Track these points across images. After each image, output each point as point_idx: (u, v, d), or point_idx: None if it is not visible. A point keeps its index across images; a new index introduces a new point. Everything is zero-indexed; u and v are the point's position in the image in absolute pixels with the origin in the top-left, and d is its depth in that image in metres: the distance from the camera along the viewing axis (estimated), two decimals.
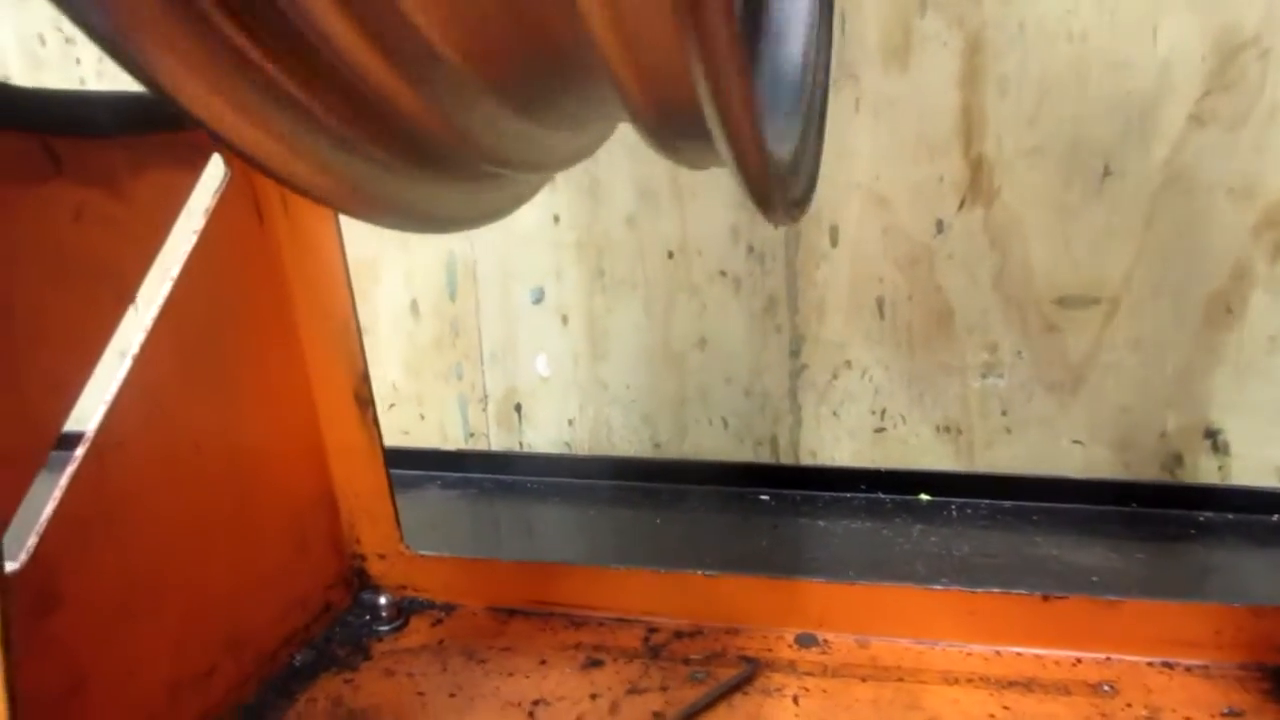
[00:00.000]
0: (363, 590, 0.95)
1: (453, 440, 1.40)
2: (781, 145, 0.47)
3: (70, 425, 0.61)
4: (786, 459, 1.28)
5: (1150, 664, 0.78)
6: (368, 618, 0.91)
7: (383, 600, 0.90)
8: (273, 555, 0.84)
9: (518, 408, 1.37)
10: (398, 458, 1.38)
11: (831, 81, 1.14)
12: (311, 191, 0.42)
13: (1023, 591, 0.80)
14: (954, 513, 1.20)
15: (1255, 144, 1.05)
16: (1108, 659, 0.79)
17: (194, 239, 0.75)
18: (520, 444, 1.38)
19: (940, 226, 1.16)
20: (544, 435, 1.37)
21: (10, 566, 0.58)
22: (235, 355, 0.79)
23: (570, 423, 1.35)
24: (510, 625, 0.89)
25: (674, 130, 0.41)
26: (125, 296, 0.68)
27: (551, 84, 0.44)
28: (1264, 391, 1.12)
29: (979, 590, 0.81)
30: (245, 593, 0.80)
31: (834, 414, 1.25)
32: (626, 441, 1.34)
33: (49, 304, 0.62)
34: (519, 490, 1.34)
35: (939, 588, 0.82)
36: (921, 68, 1.11)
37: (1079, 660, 0.79)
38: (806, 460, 1.28)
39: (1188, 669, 0.78)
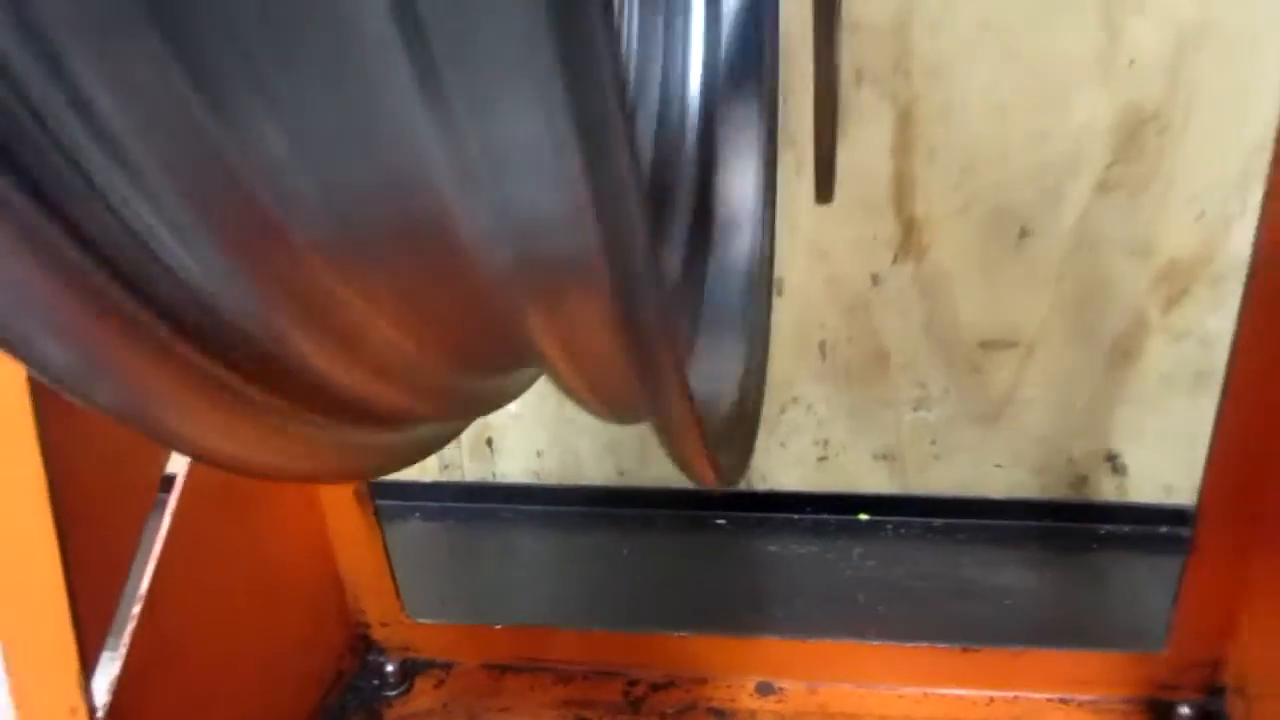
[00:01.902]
0: (368, 653, 1.05)
1: (429, 472, 1.50)
2: (725, 401, 0.56)
3: None
4: (740, 484, 1.41)
5: (1050, 700, 0.94)
6: (375, 682, 1.02)
7: (389, 668, 1.01)
8: (292, 644, 0.94)
9: (489, 441, 1.46)
10: (379, 488, 1.47)
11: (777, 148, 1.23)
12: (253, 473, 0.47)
13: (945, 645, 0.94)
14: (890, 532, 1.34)
15: (1153, 210, 1.17)
16: (1016, 697, 0.94)
17: None
18: (493, 474, 1.48)
19: (876, 279, 1.27)
20: (515, 465, 1.47)
21: None
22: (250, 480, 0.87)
23: (539, 454, 1.45)
24: (504, 682, 1.01)
25: (627, 421, 0.49)
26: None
27: (519, 369, 0.52)
28: (1157, 423, 1.27)
29: (909, 644, 0.95)
30: (271, 685, 0.90)
31: (782, 444, 1.38)
32: (593, 470, 1.45)
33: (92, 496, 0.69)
34: (494, 518, 1.45)
35: (877, 642, 0.96)
36: (858, 137, 1.20)
37: (992, 699, 0.94)
38: (759, 486, 1.40)
39: (1080, 704, 0.93)
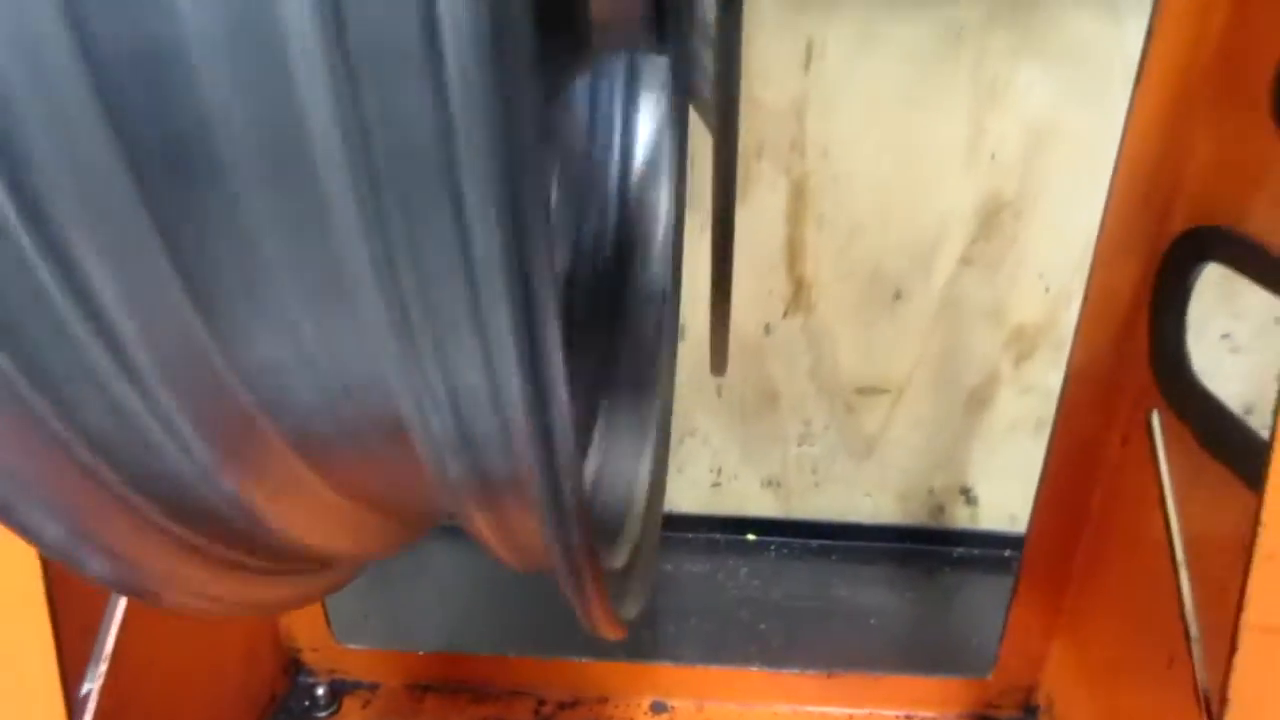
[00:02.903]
0: (299, 675, 1.15)
1: None
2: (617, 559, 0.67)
3: None
4: None
5: (897, 715, 1.10)
6: (307, 703, 1.11)
7: (320, 690, 1.10)
8: (231, 669, 1.03)
9: None
10: None
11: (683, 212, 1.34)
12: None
13: (813, 671, 1.10)
14: (773, 551, 1.50)
15: (1007, 282, 1.34)
16: (870, 714, 1.11)
17: None
18: None
19: (768, 329, 1.41)
20: None
21: None
22: None
23: None
24: (426, 702, 1.12)
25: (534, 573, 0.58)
26: None
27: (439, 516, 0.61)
28: (1005, 461, 1.45)
29: (783, 671, 1.10)
30: (214, 708, 0.99)
31: (679, 470, 1.51)
32: None
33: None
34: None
35: (755, 669, 1.11)
36: (756, 204, 1.33)
37: (851, 716, 1.10)
38: None
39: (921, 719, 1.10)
